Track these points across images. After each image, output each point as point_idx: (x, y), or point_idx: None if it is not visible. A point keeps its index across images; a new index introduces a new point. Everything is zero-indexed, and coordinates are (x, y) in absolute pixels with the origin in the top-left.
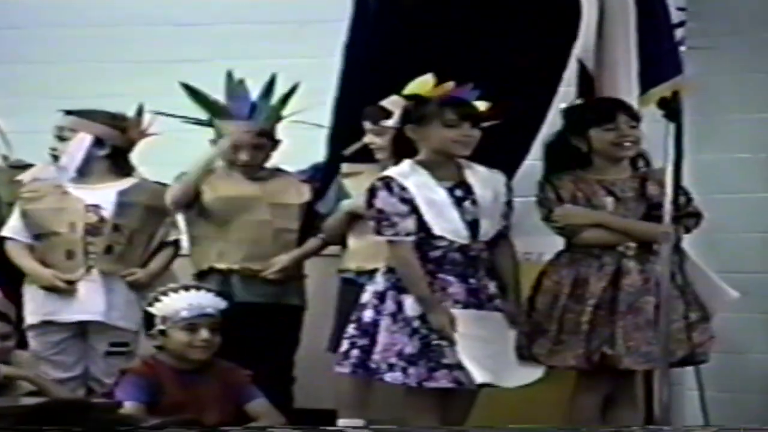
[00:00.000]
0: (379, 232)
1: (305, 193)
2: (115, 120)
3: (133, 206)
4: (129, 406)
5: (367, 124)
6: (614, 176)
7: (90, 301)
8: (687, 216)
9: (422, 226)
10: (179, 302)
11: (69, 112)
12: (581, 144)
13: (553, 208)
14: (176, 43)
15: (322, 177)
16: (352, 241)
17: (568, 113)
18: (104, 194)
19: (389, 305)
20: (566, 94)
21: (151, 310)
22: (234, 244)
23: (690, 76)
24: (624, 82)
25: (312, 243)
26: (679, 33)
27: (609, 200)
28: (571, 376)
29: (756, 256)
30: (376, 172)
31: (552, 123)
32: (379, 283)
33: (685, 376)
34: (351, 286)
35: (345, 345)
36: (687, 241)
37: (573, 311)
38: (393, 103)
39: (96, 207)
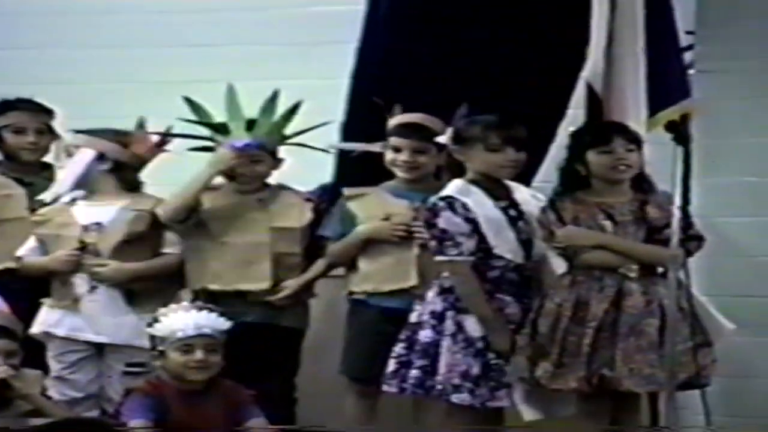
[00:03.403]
0: (441, 252)
1: (307, 214)
2: (118, 136)
3: (134, 222)
4: (135, 424)
5: (409, 142)
6: (613, 199)
7: (97, 322)
8: (689, 239)
9: (482, 245)
10: (176, 323)
11: (78, 131)
12: (580, 167)
13: (555, 229)
14: (185, 65)
15: (330, 196)
16: (364, 264)
17: (571, 136)
18: (107, 211)
19: (449, 326)
20: (575, 117)
21: (152, 330)
22: (229, 264)
23: (698, 100)
24: (632, 105)
25: (319, 265)
26: (687, 56)
27: (608, 223)
28: None
29: (763, 279)
30: (381, 195)
31: (562, 146)
32: (437, 303)
33: (691, 400)
34: (363, 308)
35: (393, 365)
36: (694, 264)
37: (575, 333)
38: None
39: (98, 225)
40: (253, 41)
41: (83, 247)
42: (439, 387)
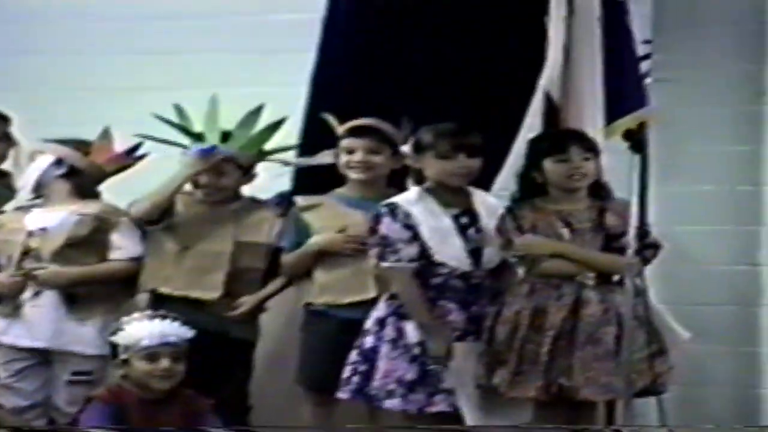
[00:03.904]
0: (381, 258)
1: (277, 229)
2: (78, 144)
3: (77, 226)
4: None
5: (362, 141)
6: (571, 207)
7: (36, 327)
8: (645, 247)
9: (424, 253)
10: (141, 331)
11: (46, 141)
12: (537, 175)
13: (513, 237)
14: (147, 71)
15: (289, 207)
16: (321, 275)
17: (529, 144)
18: (55, 216)
19: (389, 331)
20: (533, 125)
21: (115, 339)
22: (184, 270)
23: (655, 108)
24: (589, 114)
25: (277, 283)
26: (644, 65)
27: (565, 231)
28: None
29: (719, 288)
30: (333, 203)
31: (520, 154)
32: (381, 309)
33: (648, 408)
34: (321, 318)
35: (347, 371)
36: (651, 273)
37: (533, 341)
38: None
39: (43, 230)
40: (213, 48)
41: (26, 253)
42: (373, 393)
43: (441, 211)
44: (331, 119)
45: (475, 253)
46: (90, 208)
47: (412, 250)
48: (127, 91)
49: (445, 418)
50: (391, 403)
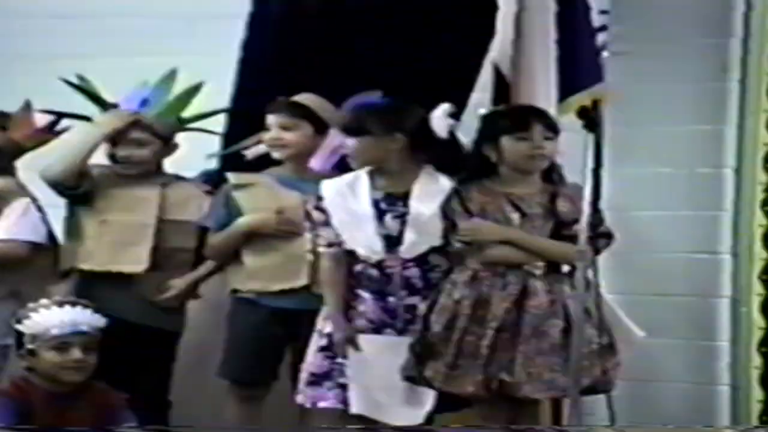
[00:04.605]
0: (315, 241)
1: (206, 208)
2: None
3: None
4: None
5: (276, 118)
6: (523, 190)
7: None
8: (598, 236)
9: (338, 238)
10: (50, 319)
11: None
12: (492, 153)
13: (459, 221)
14: (58, 37)
15: (215, 186)
16: (250, 260)
17: (484, 120)
18: None
19: (319, 321)
20: (481, 101)
21: (20, 327)
22: (106, 244)
23: (612, 84)
24: (542, 89)
25: (209, 265)
26: (601, 37)
27: (515, 216)
28: None
29: (678, 277)
30: (268, 182)
31: (466, 131)
32: None
33: (597, 406)
34: (250, 307)
35: None
36: (603, 261)
37: (473, 333)
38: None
39: None
40: (134, 13)
41: None
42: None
43: (367, 194)
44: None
45: (391, 241)
46: None
47: (328, 234)
48: (39, 59)
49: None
50: (298, 397)
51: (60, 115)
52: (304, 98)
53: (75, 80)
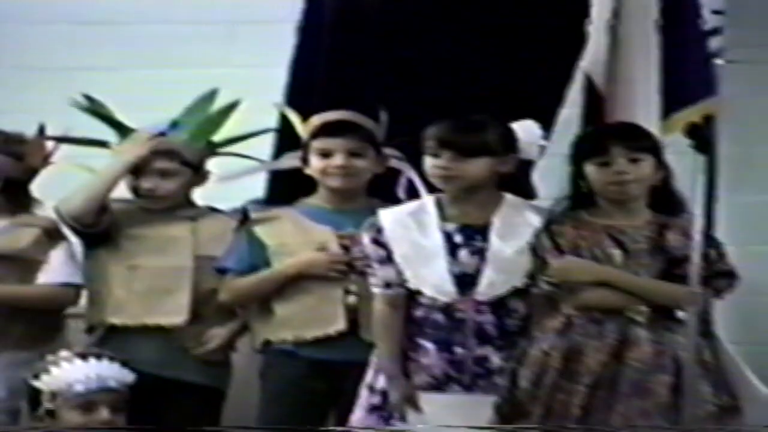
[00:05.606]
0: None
1: None
2: (10, 144)
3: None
4: None
5: (343, 142)
6: (625, 222)
7: None
8: (718, 275)
9: (401, 277)
10: (73, 374)
11: None
12: (581, 181)
13: (550, 259)
14: (77, 47)
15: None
16: (278, 306)
17: (572, 145)
18: None
19: (369, 373)
20: (570, 119)
21: (37, 384)
22: (138, 294)
23: (726, 98)
24: (642, 104)
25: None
26: (714, 42)
27: (617, 252)
28: None
29: None
30: (293, 216)
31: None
32: None
33: None
34: (286, 359)
35: None
36: (719, 305)
37: (563, 390)
38: None
39: None
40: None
41: None
42: None
43: (437, 225)
44: (291, 113)
45: (465, 280)
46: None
47: (386, 273)
48: (58, 72)
49: None
50: None
51: (73, 142)
52: (351, 115)
53: (88, 99)
